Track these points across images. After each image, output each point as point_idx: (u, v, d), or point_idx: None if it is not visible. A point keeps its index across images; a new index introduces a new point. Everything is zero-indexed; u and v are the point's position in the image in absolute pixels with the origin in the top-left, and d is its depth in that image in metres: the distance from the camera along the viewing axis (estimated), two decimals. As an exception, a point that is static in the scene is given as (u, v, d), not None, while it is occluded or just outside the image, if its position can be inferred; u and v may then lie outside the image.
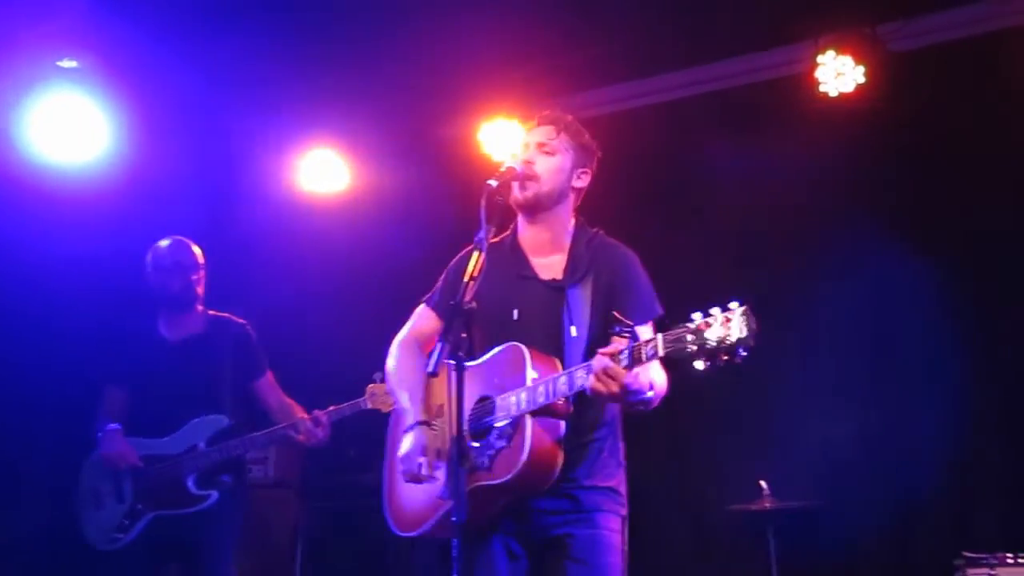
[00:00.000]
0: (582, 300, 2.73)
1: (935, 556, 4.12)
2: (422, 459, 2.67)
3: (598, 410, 2.72)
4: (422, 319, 3.00)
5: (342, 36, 5.06)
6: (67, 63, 4.93)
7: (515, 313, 2.78)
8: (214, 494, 3.98)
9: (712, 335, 2.27)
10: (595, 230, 2.94)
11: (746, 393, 5.00)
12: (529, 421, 2.57)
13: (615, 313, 2.54)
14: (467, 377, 2.47)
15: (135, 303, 4.27)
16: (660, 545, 4.94)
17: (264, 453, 5.33)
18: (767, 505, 4.47)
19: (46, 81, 4.91)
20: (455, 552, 2.32)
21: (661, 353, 2.36)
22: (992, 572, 3.27)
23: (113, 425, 4.03)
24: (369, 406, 4.01)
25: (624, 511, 2.81)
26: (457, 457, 2.38)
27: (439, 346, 2.45)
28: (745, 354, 2.25)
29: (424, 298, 3.03)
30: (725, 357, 2.26)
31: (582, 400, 2.57)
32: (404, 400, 2.86)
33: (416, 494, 2.81)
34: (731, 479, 4.87)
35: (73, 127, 4.98)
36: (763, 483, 4.52)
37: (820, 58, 4.88)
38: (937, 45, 4.91)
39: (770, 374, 4.97)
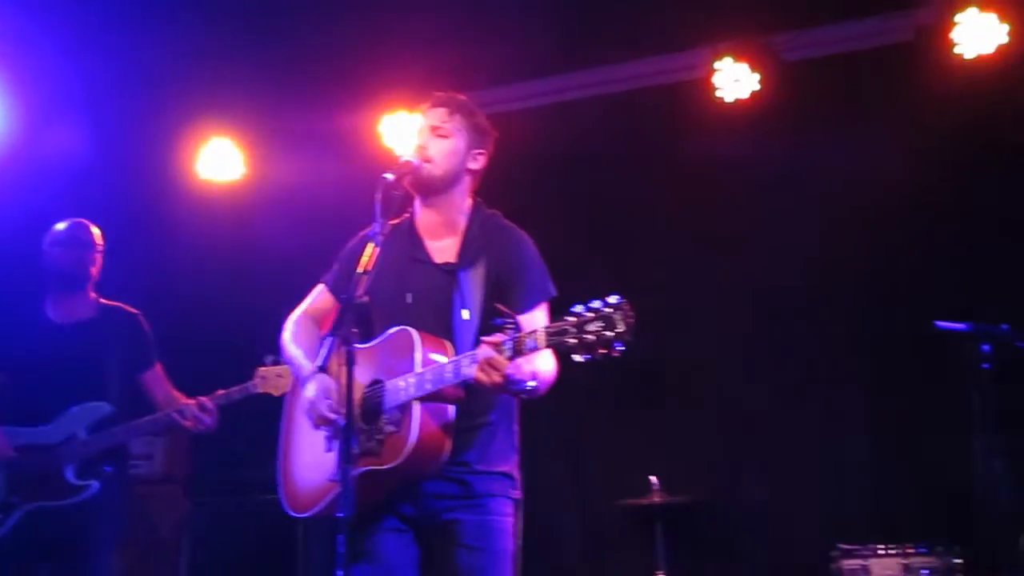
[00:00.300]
0: (474, 283, 2.73)
1: (813, 549, 4.29)
2: (328, 401, 2.65)
3: (490, 395, 2.71)
4: (318, 298, 2.99)
5: (242, 25, 4.97)
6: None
7: (408, 297, 2.77)
8: (95, 484, 3.83)
9: (592, 329, 2.29)
10: (491, 212, 2.94)
11: (638, 389, 5.11)
12: (417, 406, 2.57)
13: (498, 305, 2.56)
14: (359, 359, 2.46)
15: (22, 283, 4.11)
16: (550, 538, 5.01)
17: (150, 448, 5.17)
18: (656, 500, 4.57)
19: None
20: (340, 548, 2.30)
21: (542, 345, 2.38)
22: (864, 563, 3.42)
23: None
24: (260, 390, 3.91)
25: (518, 495, 2.81)
26: (346, 451, 2.36)
27: (329, 340, 2.44)
28: (623, 348, 2.28)
29: (323, 277, 3.00)
30: (603, 351, 2.29)
31: (472, 386, 2.57)
32: (301, 358, 2.85)
33: (309, 475, 2.79)
34: (622, 474, 4.97)
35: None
36: (653, 478, 4.62)
37: (717, 64, 5.01)
38: (830, 57, 5.10)
39: (661, 370, 5.11)
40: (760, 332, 5.01)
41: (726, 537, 4.87)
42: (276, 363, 3.78)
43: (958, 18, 4.62)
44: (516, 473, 2.82)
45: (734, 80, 5.03)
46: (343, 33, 5.06)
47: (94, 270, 4.08)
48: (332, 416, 2.62)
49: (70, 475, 3.83)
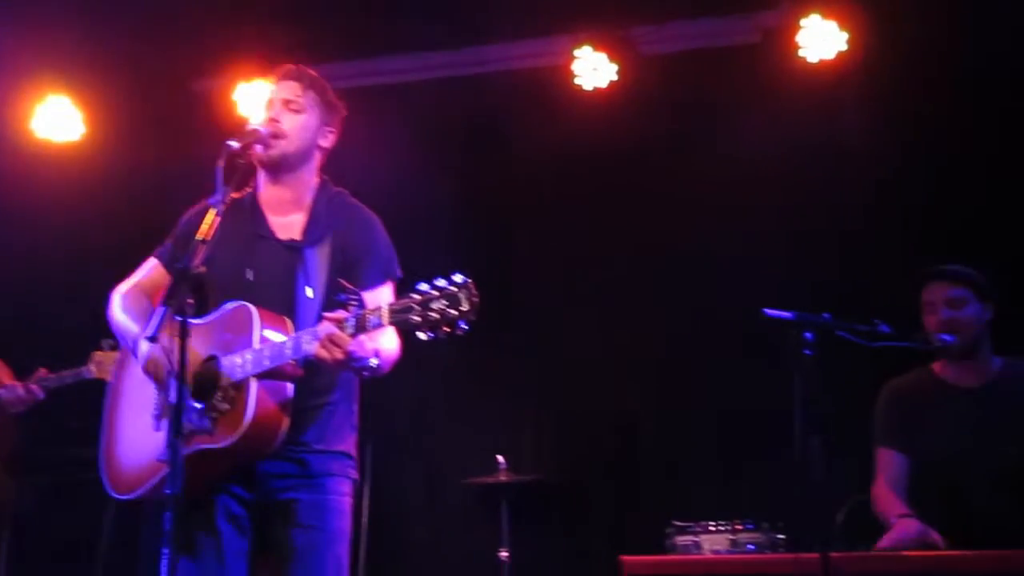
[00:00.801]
0: (319, 261, 2.70)
1: (652, 526, 4.45)
2: (161, 361, 2.54)
3: (330, 374, 2.69)
4: (150, 272, 2.88)
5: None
6: None
7: (249, 273, 2.70)
8: None
9: (436, 307, 2.29)
10: (338, 190, 2.90)
11: (486, 367, 5.16)
12: (254, 384, 2.51)
13: (341, 280, 2.53)
14: (194, 335, 2.39)
15: None
16: (397, 517, 5.02)
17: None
18: (502, 478, 4.64)
19: None
20: (167, 526, 2.22)
21: (386, 323, 2.37)
22: (696, 539, 3.56)
23: None
24: (94, 375, 3.74)
25: (355, 474, 2.80)
26: (176, 426, 2.28)
27: (161, 310, 2.34)
28: (467, 327, 2.29)
29: (155, 251, 2.89)
30: (447, 329, 2.29)
31: (312, 364, 2.54)
32: (131, 326, 2.73)
33: (134, 455, 2.70)
34: (470, 453, 5.01)
35: None
36: (500, 457, 4.69)
37: (577, 52, 5.09)
38: (684, 52, 5.24)
39: (508, 349, 5.18)
40: (606, 313, 5.14)
41: (570, 515, 4.99)
42: (113, 348, 3.62)
43: (803, 23, 4.84)
44: (354, 453, 2.81)
45: (592, 69, 5.12)
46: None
47: None
48: (167, 372, 2.51)
49: None
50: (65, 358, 4.00)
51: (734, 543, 3.67)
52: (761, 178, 4.92)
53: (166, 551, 2.21)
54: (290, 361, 2.51)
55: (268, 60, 5.13)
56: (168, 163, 5.31)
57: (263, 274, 2.71)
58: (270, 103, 2.83)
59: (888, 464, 3.61)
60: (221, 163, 2.57)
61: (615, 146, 5.13)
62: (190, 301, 2.37)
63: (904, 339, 3.24)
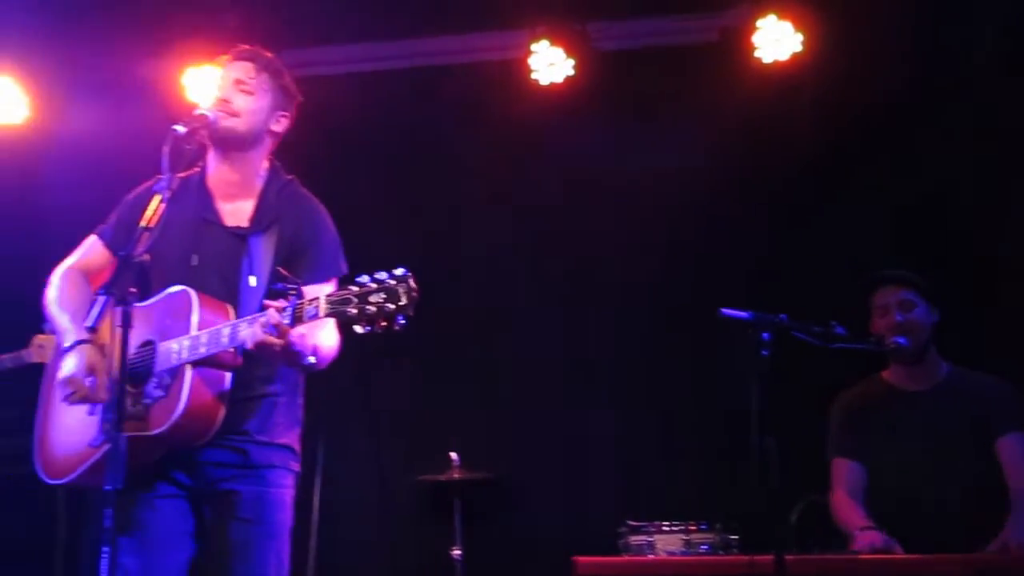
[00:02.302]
0: (264, 250, 2.65)
1: (606, 525, 4.43)
2: (91, 379, 2.48)
3: (271, 365, 2.64)
4: (91, 252, 2.81)
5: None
6: None
7: (194, 259, 2.65)
8: None
9: (374, 300, 2.24)
10: (289, 178, 2.84)
11: (441, 363, 5.11)
12: (189, 371, 2.46)
13: (280, 269, 2.49)
14: (135, 319, 2.31)
15: None
16: (348, 513, 4.94)
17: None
18: (455, 476, 4.58)
19: None
20: (107, 522, 2.15)
21: (322, 314, 2.31)
22: (650, 539, 3.55)
23: None
24: (34, 359, 3.61)
25: (297, 467, 2.76)
26: (118, 418, 2.20)
27: (102, 299, 2.26)
28: (404, 322, 2.25)
29: (96, 230, 2.81)
30: (384, 323, 2.25)
31: (250, 353, 2.48)
32: (65, 321, 2.65)
33: (68, 439, 2.63)
34: (423, 450, 4.95)
35: None
36: (453, 455, 4.63)
37: (534, 46, 5.05)
38: (641, 49, 5.24)
39: (462, 343, 5.14)
40: (559, 310, 5.12)
41: (523, 514, 4.95)
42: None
43: (759, 23, 4.85)
44: (297, 446, 2.77)
45: (549, 64, 5.08)
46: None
47: None
48: (101, 397, 2.46)
49: None
50: (10, 344, 3.84)
51: (688, 544, 3.67)
52: (714, 177, 4.94)
53: (106, 549, 2.13)
54: (228, 349, 2.45)
55: (218, 45, 5.03)
56: (113, 146, 5.16)
57: (208, 260, 2.66)
58: (222, 83, 2.76)
59: (844, 474, 3.63)
60: (167, 148, 2.49)
61: (570, 141, 5.10)
62: (133, 290, 2.31)
63: (859, 341, 3.26)
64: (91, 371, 2.50)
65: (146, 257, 2.35)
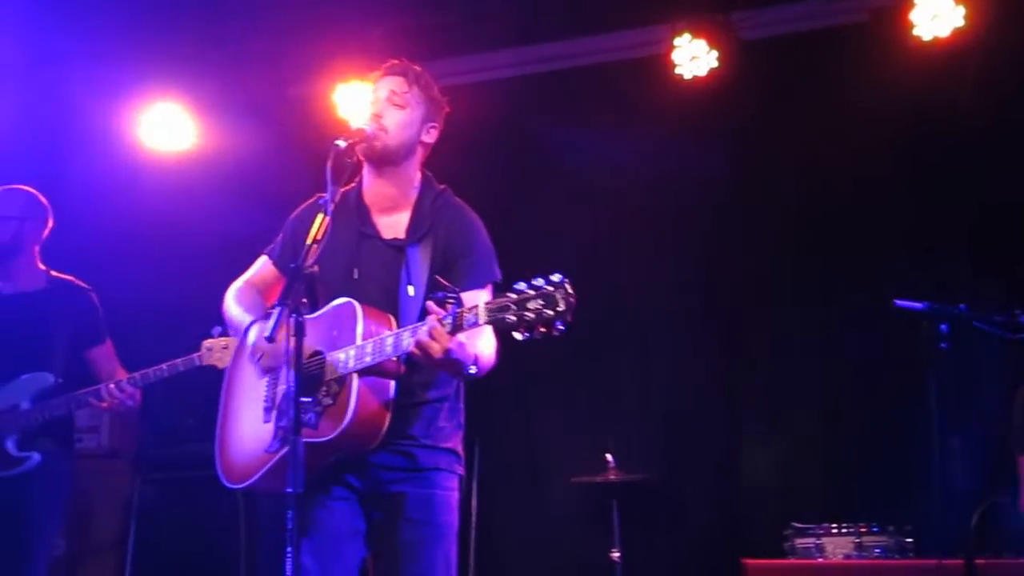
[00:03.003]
0: (421, 259, 2.70)
1: (767, 526, 4.31)
2: (270, 351, 2.60)
3: (433, 372, 2.69)
4: (262, 270, 2.94)
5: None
6: None
7: (355, 272, 2.72)
8: (35, 456, 3.73)
9: (533, 307, 2.26)
10: (442, 188, 2.89)
11: (592, 368, 5.10)
12: (356, 380, 2.53)
13: (438, 278, 2.54)
14: (305, 330, 2.39)
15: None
16: (507, 516, 4.99)
17: (96, 421, 5.05)
18: (611, 477, 4.56)
19: None
20: (290, 524, 2.23)
21: (482, 321, 2.34)
22: (818, 541, 3.43)
23: None
24: (204, 362, 3.81)
25: (462, 471, 2.80)
26: (296, 424, 2.29)
27: (278, 310, 2.36)
28: (563, 328, 2.25)
29: (265, 250, 2.95)
30: (543, 330, 2.26)
31: (413, 361, 2.53)
32: (242, 312, 2.81)
33: (245, 446, 2.75)
34: (577, 452, 4.95)
35: None
36: (608, 456, 4.61)
37: (677, 41, 4.97)
38: (785, 35, 5.08)
39: (616, 349, 5.10)
40: (715, 310, 5.01)
41: (681, 515, 4.88)
42: (224, 335, 3.69)
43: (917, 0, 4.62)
44: (460, 450, 2.81)
45: (692, 57, 4.99)
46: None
47: (36, 239, 3.97)
48: (274, 361, 2.57)
49: (10, 446, 3.73)
50: (178, 353, 4.08)
51: (859, 547, 3.53)
52: (879, 161, 4.72)
53: (289, 550, 2.22)
54: (392, 358, 2.51)
55: (365, 60, 5.19)
56: (270, 164, 5.40)
57: (368, 273, 2.73)
58: (375, 99, 2.83)
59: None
60: (329, 163, 2.57)
61: (718, 135, 4.99)
62: (304, 300, 2.40)
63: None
64: (272, 340, 2.57)
65: (315, 269, 2.44)
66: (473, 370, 2.51)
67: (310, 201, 2.85)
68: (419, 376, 2.65)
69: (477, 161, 4.83)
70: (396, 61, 2.90)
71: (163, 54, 5.30)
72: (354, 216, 2.80)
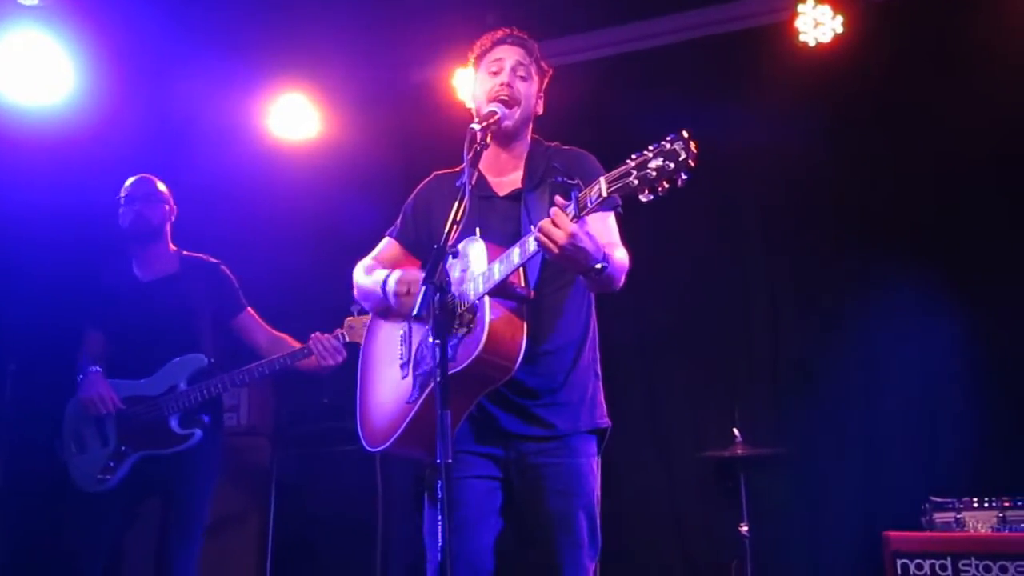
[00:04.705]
0: (541, 201, 2.73)
1: (903, 500, 4.21)
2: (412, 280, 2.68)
3: (567, 318, 2.71)
4: (385, 248, 3.04)
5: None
6: (29, 1, 4.76)
7: (477, 232, 2.75)
8: (197, 433, 4.00)
9: (654, 165, 2.27)
10: (553, 144, 2.94)
11: (719, 344, 5.05)
12: (487, 301, 2.56)
13: (555, 165, 2.58)
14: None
15: (108, 245, 4.25)
16: (634, 491, 5.00)
17: (236, 400, 5.29)
18: (739, 452, 4.53)
19: (7, 19, 4.74)
20: (440, 494, 2.30)
21: (605, 193, 2.35)
22: (958, 516, 3.34)
23: (94, 368, 4.03)
24: (347, 339, 4.01)
25: (603, 422, 2.81)
26: (443, 397, 2.34)
27: (424, 288, 2.43)
28: (687, 177, 2.25)
29: (388, 231, 3.06)
30: (667, 185, 2.26)
31: (543, 306, 2.56)
32: (376, 277, 2.87)
33: (385, 404, 2.81)
34: (703, 426, 4.93)
35: (36, 67, 4.82)
36: (736, 430, 4.58)
37: (800, 7, 4.85)
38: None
39: (742, 324, 5.04)
40: (850, 280, 4.89)
41: (811, 489, 4.80)
42: (362, 313, 3.84)
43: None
44: (600, 398, 2.82)
45: (816, 24, 4.87)
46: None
47: (168, 223, 4.21)
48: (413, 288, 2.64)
49: (174, 425, 3.99)
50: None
51: (1003, 520, 3.43)
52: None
53: (439, 519, 2.29)
54: (520, 277, 2.53)
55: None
56: (393, 150, 5.53)
57: (490, 227, 2.76)
58: (500, 69, 2.85)
59: None
60: (466, 147, 2.63)
61: (846, 107, 4.84)
62: (447, 280, 2.49)
63: None
64: (409, 285, 2.69)
65: (458, 249, 2.53)
66: (601, 266, 2.48)
67: (427, 180, 2.97)
68: (549, 319, 2.68)
69: (595, 139, 4.82)
70: (510, 31, 2.93)
71: (287, 46, 5.47)
72: (474, 186, 2.86)
